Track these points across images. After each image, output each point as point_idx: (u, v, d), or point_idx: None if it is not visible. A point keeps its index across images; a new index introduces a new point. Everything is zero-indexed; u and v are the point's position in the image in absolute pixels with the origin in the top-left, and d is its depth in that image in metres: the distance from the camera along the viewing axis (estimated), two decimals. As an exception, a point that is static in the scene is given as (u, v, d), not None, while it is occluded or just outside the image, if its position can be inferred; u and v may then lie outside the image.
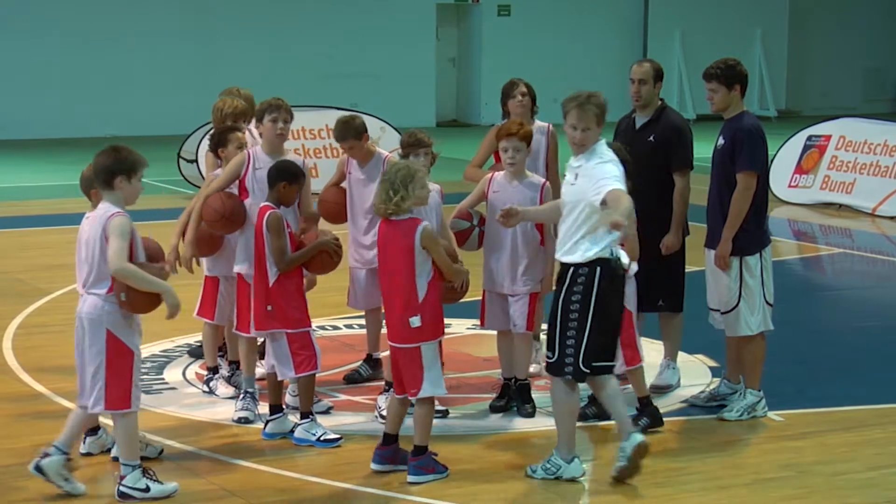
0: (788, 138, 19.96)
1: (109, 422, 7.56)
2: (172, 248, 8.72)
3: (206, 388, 8.92)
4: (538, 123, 9.21)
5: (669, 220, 8.81)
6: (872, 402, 8.43)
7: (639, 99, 8.95)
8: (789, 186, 18.93)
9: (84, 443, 7.56)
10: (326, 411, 8.37)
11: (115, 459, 7.40)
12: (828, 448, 7.96)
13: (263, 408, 8.18)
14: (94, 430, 7.59)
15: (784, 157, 19.51)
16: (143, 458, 7.34)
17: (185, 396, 8.87)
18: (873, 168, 18.48)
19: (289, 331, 7.78)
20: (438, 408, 8.36)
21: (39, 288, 12.21)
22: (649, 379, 9.11)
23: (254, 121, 8.68)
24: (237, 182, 8.42)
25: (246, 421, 8.23)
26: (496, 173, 8.47)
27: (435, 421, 8.15)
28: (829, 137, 19.43)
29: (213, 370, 8.93)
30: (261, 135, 8.51)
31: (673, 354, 9.10)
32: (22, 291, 12.19)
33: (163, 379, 9.26)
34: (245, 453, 7.69)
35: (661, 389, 8.89)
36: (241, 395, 8.39)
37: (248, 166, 8.33)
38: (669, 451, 7.75)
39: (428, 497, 6.99)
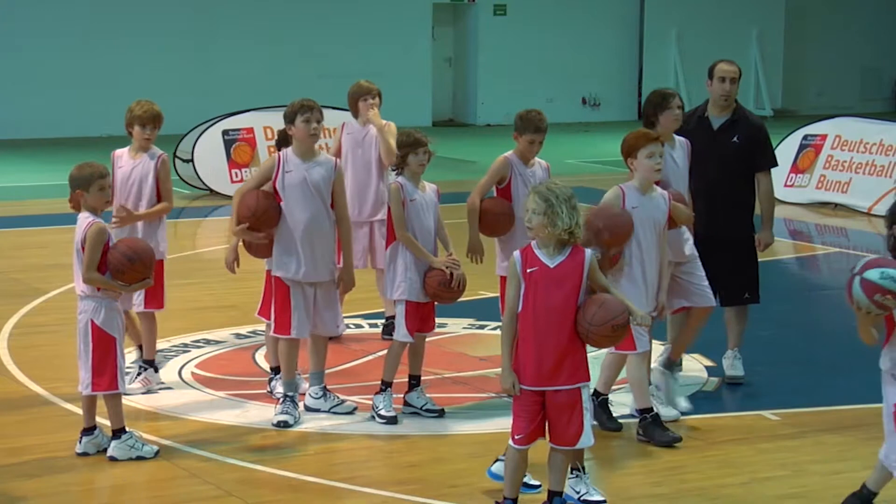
0: (784, 137, 19.94)
1: (106, 422, 7.58)
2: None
3: (267, 389, 8.76)
4: (679, 138, 8.53)
5: (747, 219, 8.82)
6: (868, 401, 8.39)
7: (728, 98, 8.86)
8: (785, 186, 18.91)
9: (80, 443, 7.57)
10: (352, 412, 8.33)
11: (112, 459, 7.45)
12: (824, 447, 7.97)
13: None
14: (91, 430, 7.59)
15: (780, 157, 19.31)
16: (140, 459, 7.46)
17: (182, 396, 8.84)
18: (869, 167, 18.49)
19: None
20: (434, 407, 8.36)
21: (36, 288, 12.19)
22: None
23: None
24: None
25: (285, 425, 8.06)
26: (624, 187, 7.67)
27: (431, 421, 8.18)
28: (824, 137, 19.41)
29: (276, 370, 8.72)
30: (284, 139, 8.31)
31: (738, 343, 9.07)
32: (18, 291, 12.16)
33: (159, 379, 9.24)
34: (243, 453, 7.67)
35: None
36: (282, 399, 8.19)
37: (278, 169, 8.06)
38: (666, 450, 7.74)
39: (426, 497, 6.98)
